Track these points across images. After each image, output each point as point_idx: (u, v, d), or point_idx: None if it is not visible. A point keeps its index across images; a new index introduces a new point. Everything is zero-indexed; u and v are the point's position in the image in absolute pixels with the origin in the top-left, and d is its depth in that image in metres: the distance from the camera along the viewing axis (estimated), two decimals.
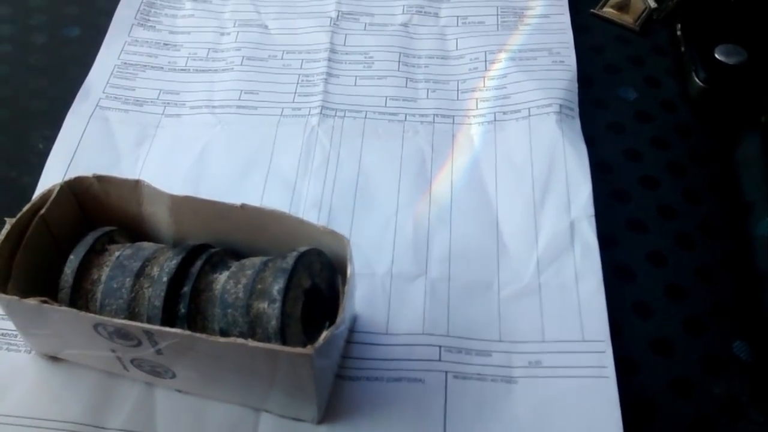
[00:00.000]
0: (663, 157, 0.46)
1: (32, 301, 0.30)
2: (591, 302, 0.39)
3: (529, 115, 0.47)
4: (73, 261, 0.33)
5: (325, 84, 0.50)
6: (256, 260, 0.33)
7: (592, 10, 0.55)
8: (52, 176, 0.44)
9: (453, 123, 0.48)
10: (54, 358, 0.37)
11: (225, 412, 0.35)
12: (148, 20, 0.55)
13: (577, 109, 0.48)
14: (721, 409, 0.36)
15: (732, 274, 0.41)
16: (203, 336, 0.29)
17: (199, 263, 0.33)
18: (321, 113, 0.48)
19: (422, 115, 0.48)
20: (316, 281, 0.33)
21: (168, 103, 0.49)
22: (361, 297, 0.39)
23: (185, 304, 0.32)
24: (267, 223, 0.34)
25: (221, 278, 0.33)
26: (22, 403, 0.36)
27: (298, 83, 0.51)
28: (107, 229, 0.35)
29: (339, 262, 0.34)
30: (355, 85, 0.50)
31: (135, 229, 0.37)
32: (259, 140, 0.47)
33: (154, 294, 0.32)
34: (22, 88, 0.51)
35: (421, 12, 0.55)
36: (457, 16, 0.55)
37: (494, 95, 0.49)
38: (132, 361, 0.33)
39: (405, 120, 0.48)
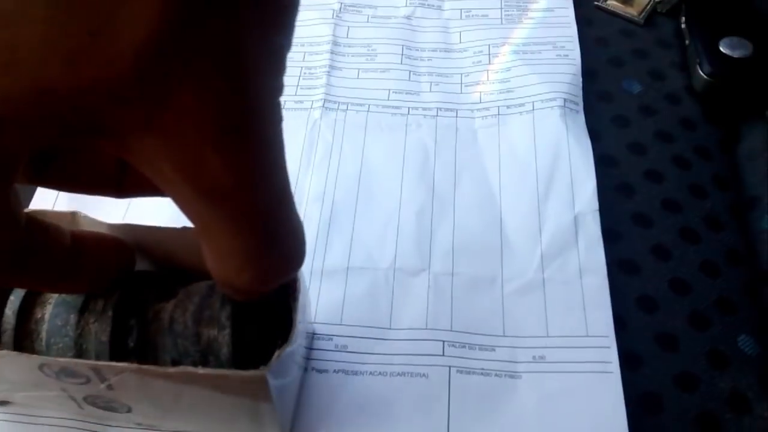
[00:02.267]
0: (667, 150, 0.46)
1: None
2: (595, 297, 0.39)
3: (533, 109, 0.47)
4: (13, 302, 0.31)
5: (327, 77, 0.50)
6: (203, 285, 0.32)
7: (596, 3, 0.55)
8: None
9: (456, 117, 0.48)
10: (5, 403, 0.36)
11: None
12: None
13: (581, 104, 0.48)
14: (726, 404, 0.36)
15: (737, 268, 0.41)
16: (151, 367, 0.28)
17: (144, 292, 0.31)
18: (323, 106, 0.48)
19: (425, 109, 0.48)
20: (265, 299, 0.31)
21: None
22: (364, 291, 0.39)
23: (134, 338, 0.30)
24: None
25: (168, 306, 0.31)
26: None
27: (300, 76, 0.50)
28: None
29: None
30: (357, 77, 0.50)
31: None
32: None
33: (100, 329, 0.30)
34: None
35: (424, 5, 0.55)
36: (461, 9, 0.55)
37: (498, 89, 0.49)
38: (85, 399, 0.32)
39: (408, 113, 0.48)
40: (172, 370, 0.28)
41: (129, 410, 0.33)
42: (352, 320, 0.38)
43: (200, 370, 0.27)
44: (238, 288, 0.25)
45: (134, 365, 0.28)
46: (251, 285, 0.24)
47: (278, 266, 0.25)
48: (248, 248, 0.23)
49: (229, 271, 0.24)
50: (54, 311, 0.31)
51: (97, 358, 0.30)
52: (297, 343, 0.31)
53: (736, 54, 0.47)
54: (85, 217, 0.34)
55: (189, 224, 0.32)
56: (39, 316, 0.31)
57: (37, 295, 0.32)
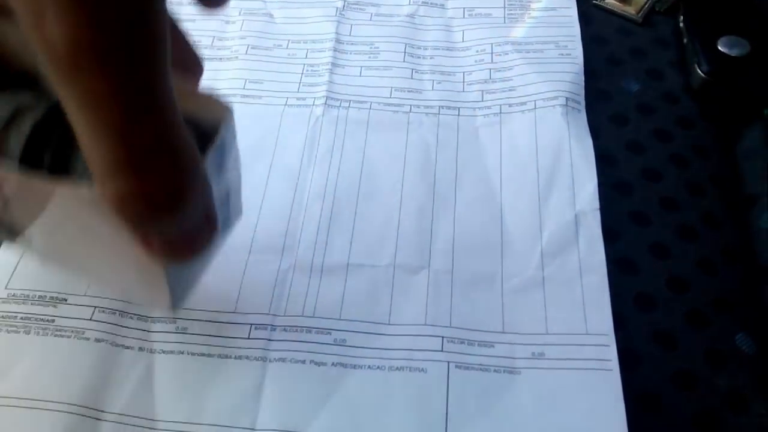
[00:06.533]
0: (665, 149, 0.46)
1: None
2: (595, 296, 0.39)
3: (535, 108, 0.47)
4: None
5: (330, 74, 0.50)
6: None
7: (594, 1, 0.55)
8: None
9: (458, 115, 0.48)
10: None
11: (226, 394, 0.36)
12: None
13: (583, 103, 0.48)
14: (724, 402, 0.36)
15: (735, 266, 0.41)
16: (30, 175, 0.25)
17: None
18: (325, 103, 0.48)
19: (427, 107, 0.48)
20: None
21: None
22: (364, 288, 0.40)
23: (49, 156, 0.27)
24: None
25: None
26: (21, 385, 0.36)
27: (302, 73, 0.51)
28: None
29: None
30: (360, 75, 0.50)
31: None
32: (263, 129, 0.47)
33: (15, 142, 0.27)
34: None
35: (427, 3, 0.55)
36: (464, 8, 0.55)
37: (500, 87, 0.49)
38: None
39: (410, 111, 0.48)
40: (55, 184, 0.25)
41: (30, 241, 0.30)
42: (351, 316, 0.38)
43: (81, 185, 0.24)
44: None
45: (13, 173, 0.25)
46: (118, 206, 0.19)
47: (144, 195, 0.19)
48: (100, 152, 0.18)
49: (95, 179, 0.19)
50: None
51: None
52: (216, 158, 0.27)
53: (734, 53, 0.48)
54: None
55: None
56: None
57: None
